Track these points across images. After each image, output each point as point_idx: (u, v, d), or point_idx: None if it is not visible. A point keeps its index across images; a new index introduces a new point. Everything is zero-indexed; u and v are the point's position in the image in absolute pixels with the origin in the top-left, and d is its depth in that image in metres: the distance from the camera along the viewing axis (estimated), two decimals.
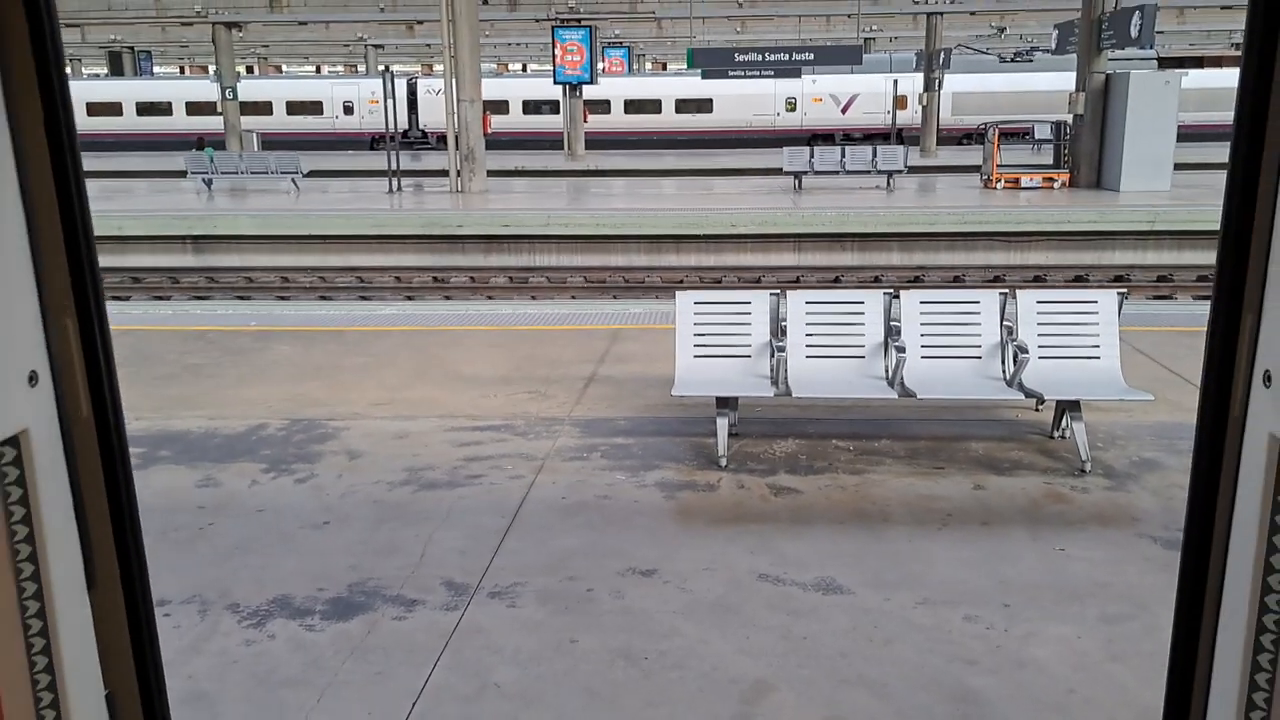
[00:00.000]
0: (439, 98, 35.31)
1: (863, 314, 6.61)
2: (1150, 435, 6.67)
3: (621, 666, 4.05)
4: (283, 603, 4.60)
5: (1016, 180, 24.12)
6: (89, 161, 30.01)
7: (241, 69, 42.33)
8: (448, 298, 17.13)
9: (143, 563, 1.44)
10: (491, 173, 25.64)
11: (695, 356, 6.60)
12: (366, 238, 19.97)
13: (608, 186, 26.80)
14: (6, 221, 1.15)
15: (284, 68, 62.53)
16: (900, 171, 24.57)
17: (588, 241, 19.81)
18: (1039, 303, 6.60)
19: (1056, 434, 6.68)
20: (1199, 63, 39.66)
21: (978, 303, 6.65)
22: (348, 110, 43.34)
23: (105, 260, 18.04)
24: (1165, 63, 38.05)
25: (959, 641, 4.21)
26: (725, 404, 6.38)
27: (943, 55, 34.75)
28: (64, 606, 1.26)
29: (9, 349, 1.15)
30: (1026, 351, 6.28)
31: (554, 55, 32.92)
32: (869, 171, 24.53)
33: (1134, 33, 21.01)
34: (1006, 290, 6.76)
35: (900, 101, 37.65)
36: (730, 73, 32.36)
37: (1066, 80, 25.59)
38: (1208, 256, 18.29)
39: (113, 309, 11.74)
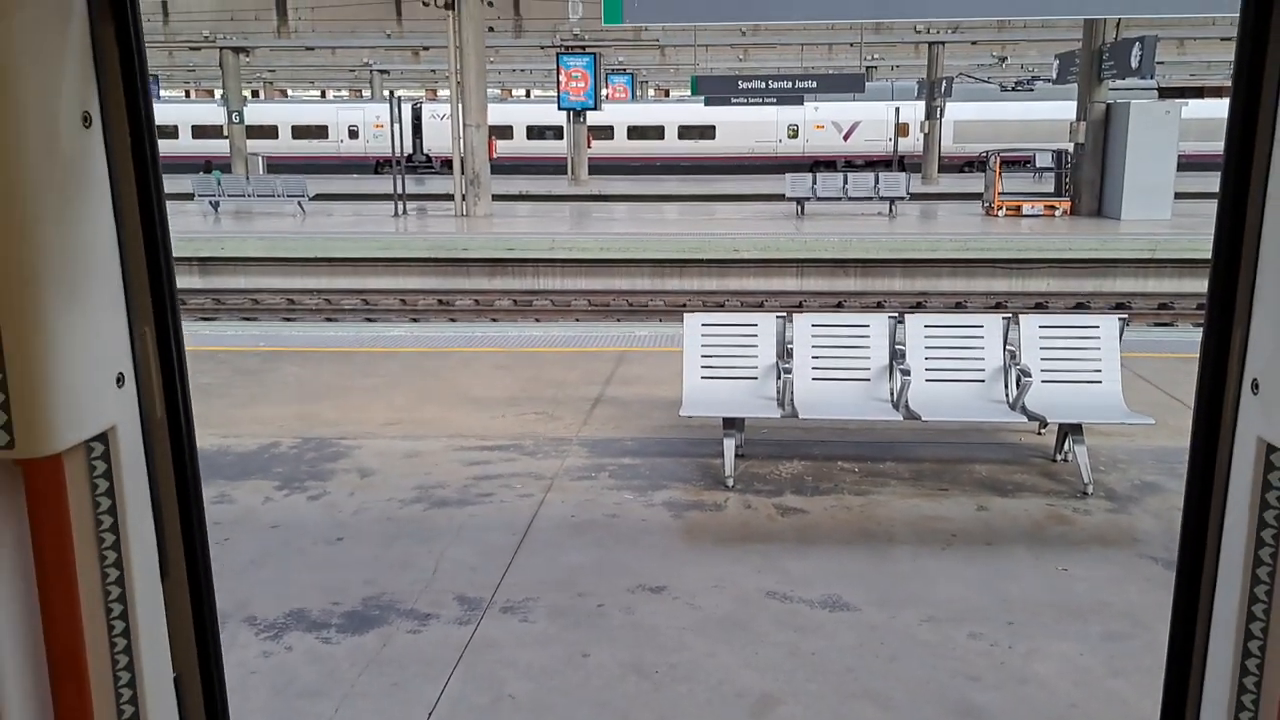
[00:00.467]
0: (443, 122, 35.56)
1: (868, 337, 6.72)
2: (1151, 459, 6.76)
3: (633, 680, 4.13)
4: (299, 616, 4.68)
5: (1018, 208, 24.29)
6: None
7: (247, 92, 42.64)
8: (452, 320, 17.25)
9: (207, 556, 1.53)
10: (496, 197, 25.83)
11: (703, 378, 6.70)
12: (373, 260, 20.12)
13: (611, 211, 26.99)
14: (102, 237, 1.26)
15: (289, 92, 63.03)
16: (902, 198, 24.72)
17: (592, 265, 19.95)
18: (1041, 327, 6.71)
19: (1059, 457, 6.78)
20: (1199, 93, 39.97)
21: (981, 327, 6.76)
22: (352, 134, 43.64)
23: None
24: (1166, 93, 38.34)
25: (963, 658, 4.28)
26: (732, 425, 6.48)
27: (944, 84, 35.01)
28: (142, 594, 1.36)
29: (104, 352, 1.26)
30: (1029, 375, 6.38)
31: (558, 81, 33.17)
32: (871, 198, 24.70)
33: (1134, 63, 21.22)
34: (1009, 315, 6.87)
35: (902, 129, 37.90)
36: (733, 100, 32.61)
37: (1067, 109, 25.78)
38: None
39: None
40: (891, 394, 6.59)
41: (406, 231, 22.23)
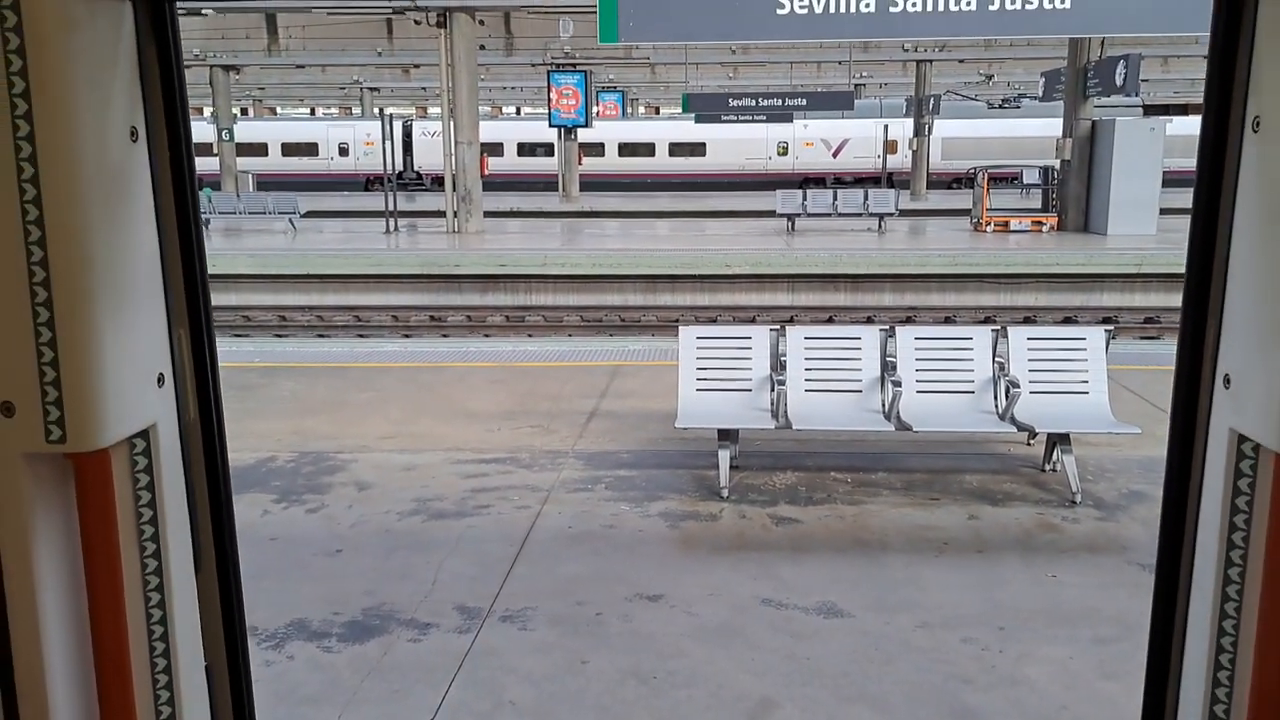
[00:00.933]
0: (434, 139, 35.70)
1: (860, 350, 6.81)
2: (1139, 468, 6.86)
3: (632, 685, 4.20)
4: (300, 626, 4.74)
5: (1006, 223, 24.48)
6: None
7: (236, 110, 42.65)
8: (445, 336, 17.30)
9: (235, 552, 1.61)
10: (487, 214, 25.93)
11: (698, 390, 6.79)
12: (365, 277, 20.18)
13: (602, 227, 27.11)
14: (145, 244, 1.34)
15: (278, 109, 63.07)
16: (891, 214, 24.89)
17: (584, 281, 20.04)
18: (1029, 339, 6.82)
19: (1048, 467, 6.87)
20: (1183, 110, 40.32)
21: (971, 339, 6.87)
22: (343, 152, 43.72)
23: None
24: (1150, 110, 38.67)
25: (956, 662, 4.36)
26: (727, 436, 6.56)
27: (932, 101, 35.29)
28: (177, 587, 1.43)
29: (146, 353, 1.33)
30: (1018, 386, 6.48)
31: (549, 99, 33.31)
32: (861, 214, 24.87)
33: (1119, 81, 21.45)
34: (998, 328, 6.98)
35: (891, 146, 38.20)
36: (723, 117, 32.80)
37: (1054, 126, 26.02)
38: None
39: None
40: (883, 405, 6.68)
41: (398, 248, 22.31)
